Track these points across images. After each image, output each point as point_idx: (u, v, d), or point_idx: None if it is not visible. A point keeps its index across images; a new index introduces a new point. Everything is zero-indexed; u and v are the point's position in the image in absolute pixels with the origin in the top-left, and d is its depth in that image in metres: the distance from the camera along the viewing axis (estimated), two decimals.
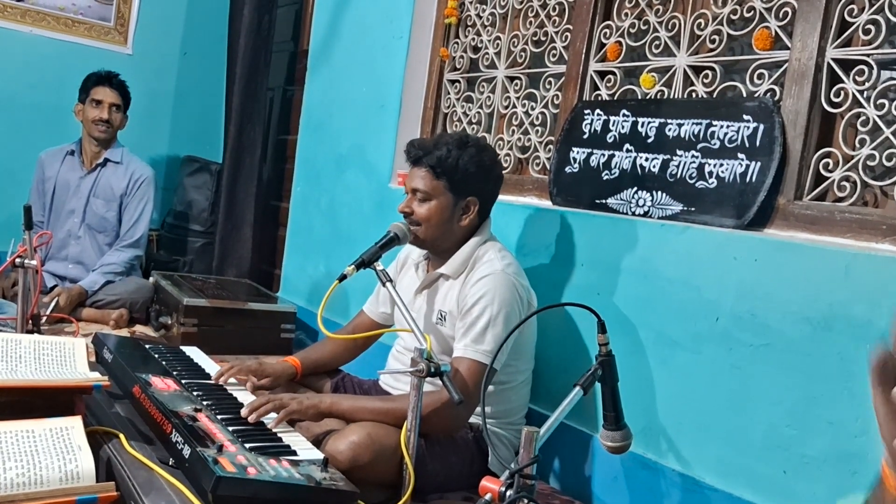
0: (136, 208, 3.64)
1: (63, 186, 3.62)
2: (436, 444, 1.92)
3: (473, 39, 2.93)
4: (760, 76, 1.98)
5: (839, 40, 1.83)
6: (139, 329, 3.35)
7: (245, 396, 1.98)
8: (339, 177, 3.43)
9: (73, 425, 1.49)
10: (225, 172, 4.00)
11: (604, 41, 2.41)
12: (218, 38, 4.22)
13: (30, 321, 2.45)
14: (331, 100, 3.57)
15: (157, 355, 2.20)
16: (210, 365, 2.22)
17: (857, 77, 1.79)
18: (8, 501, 1.29)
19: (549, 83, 2.59)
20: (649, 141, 2.16)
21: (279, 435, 1.75)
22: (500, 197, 2.62)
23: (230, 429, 1.69)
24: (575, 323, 2.22)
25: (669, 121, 2.12)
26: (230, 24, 4.07)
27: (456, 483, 1.96)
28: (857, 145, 1.81)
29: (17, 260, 2.38)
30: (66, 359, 1.88)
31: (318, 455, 1.66)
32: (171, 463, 1.56)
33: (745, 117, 1.94)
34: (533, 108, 2.65)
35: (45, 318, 2.63)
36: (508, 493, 1.32)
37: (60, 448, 1.42)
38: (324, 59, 3.62)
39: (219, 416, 1.75)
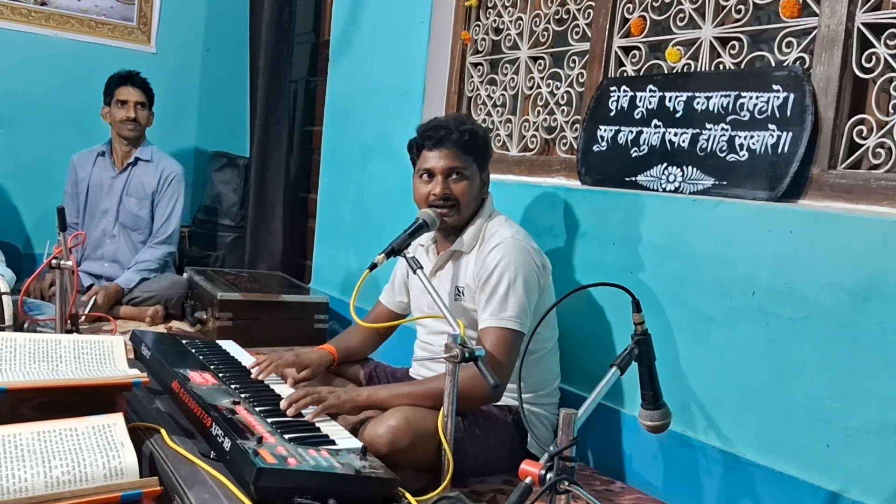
0: (167, 205, 3.69)
1: (96, 187, 3.67)
2: (475, 427, 1.92)
3: (495, 21, 2.91)
4: (789, 45, 1.94)
5: (868, 4, 1.78)
6: (175, 325, 3.40)
7: (282, 388, 2.00)
8: (365, 166, 3.43)
9: (115, 422, 1.51)
10: (252, 166, 4.03)
11: (627, 16, 2.38)
12: (240, 33, 4.24)
13: (68, 321, 2.49)
14: (354, 89, 3.57)
15: (193, 350, 2.22)
16: (246, 358, 2.24)
17: (888, 41, 1.75)
18: (55, 499, 1.31)
19: (574, 61, 2.56)
20: (678, 115, 2.13)
21: (317, 425, 1.76)
22: (528, 178, 2.63)
23: (269, 420, 1.70)
24: (607, 303, 2.21)
25: (697, 94, 2.09)
26: (251, 18, 4.09)
27: (495, 466, 1.97)
28: (892, 111, 1.76)
29: (53, 261, 2.42)
30: (105, 357, 1.91)
31: (357, 444, 1.67)
32: (212, 456, 1.58)
33: (775, 87, 1.90)
34: (558, 88, 2.62)
35: (83, 318, 2.67)
36: (549, 475, 1.31)
37: (104, 445, 1.44)
38: (345, 49, 3.62)
39: (257, 409, 1.77)
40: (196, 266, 3.83)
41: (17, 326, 2.52)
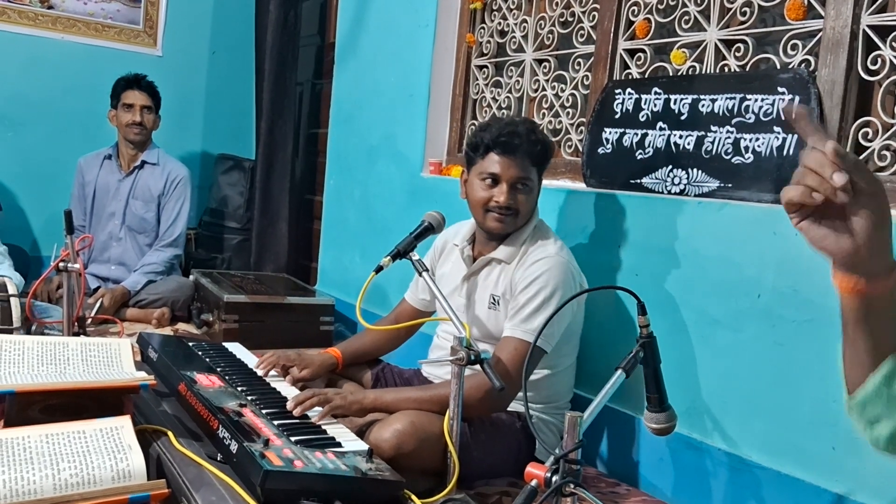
0: (173, 208, 3.71)
1: (103, 190, 3.69)
2: (480, 432, 1.92)
3: (500, 24, 2.91)
4: (794, 47, 1.94)
5: (874, 6, 1.78)
6: (181, 327, 3.41)
7: (288, 390, 2.00)
8: (370, 168, 3.44)
9: (123, 425, 1.51)
10: (258, 169, 4.03)
11: (632, 19, 2.38)
12: (245, 36, 4.25)
13: (75, 324, 2.50)
14: (359, 92, 3.57)
15: (200, 352, 2.23)
16: (252, 360, 2.24)
17: (893, 43, 1.75)
18: (64, 501, 1.32)
19: (579, 64, 2.56)
20: (683, 118, 2.13)
21: (323, 427, 1.76)
22: None
23: (275, 423, 1.70)
24: (615, 305, 2.21)
25: (702, 96, 2.09)
26: (257, 20, 4.09)
27: (502, 470, 1.96)
28: None
29: (61, 264, 2.43)
30: (112, 359, 1.92)
31: (363, 446, 1.67)
32: (219, 458, 1.58)
33: (780, 89, 1.90)
34: (563, 90, 2.63)
35: (90, 320, 2.68)
36: (554, 478, 1.31)
37: (111, 447, 1.45)
38: (350, 52, 3.63)
39: (264, 411, 1.77)
40: (202, 268, 3.83)
41: (26, 329, 2.53)
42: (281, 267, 3.99)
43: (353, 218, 3.58)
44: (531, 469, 1.33)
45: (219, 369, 2.07)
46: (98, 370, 1.85)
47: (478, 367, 1.67)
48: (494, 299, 2.07)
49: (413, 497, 1.58)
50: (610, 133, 2.34)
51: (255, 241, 4.05)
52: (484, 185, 2.03)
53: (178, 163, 3.79)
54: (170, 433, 1.69)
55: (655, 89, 2.22)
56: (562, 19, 2.64)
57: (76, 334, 2.43)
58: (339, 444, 1.66)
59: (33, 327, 2.64)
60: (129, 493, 1.35)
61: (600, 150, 2.37)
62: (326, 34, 4.06)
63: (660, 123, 2.19)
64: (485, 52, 2.99)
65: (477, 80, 3.03)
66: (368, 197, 3.45)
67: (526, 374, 1.56)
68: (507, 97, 2.86)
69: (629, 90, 2.30)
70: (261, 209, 4.02)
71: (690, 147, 2.10)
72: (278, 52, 3.95)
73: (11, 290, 2.53)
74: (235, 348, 2.37)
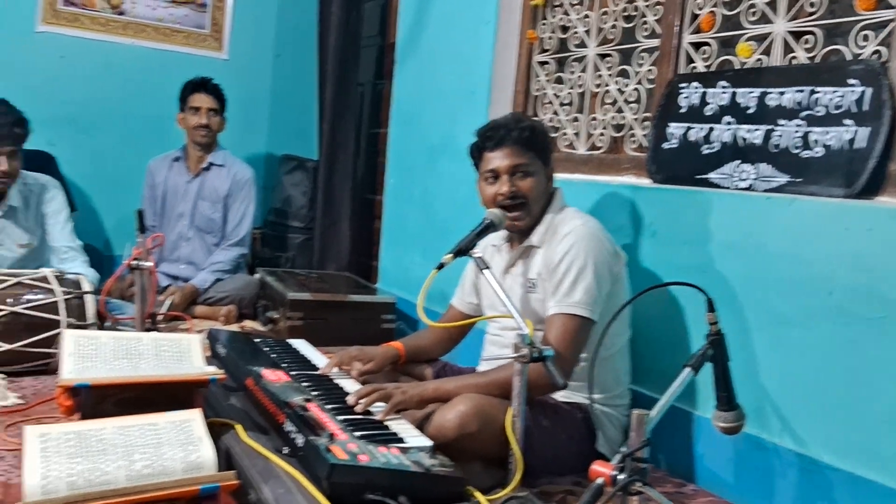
0: (239, 208, 3.79)
1: (172, 191, 3.80)
2: (542, 418, 1.92)
3: (561, 19, 2.89)
4: (865, 38, 1.88)
5: None
6: (248, 324, 3.48)
7: (352, 387, 2.02)
8: (431, 167, 3.45)
9: (194, 418, 1.56)
10: (321, 169, 4.09)
11: (697, 12, 2.34)
12: (308, 38, 4.31)
13: (147, 320, 2.58)
14: (420, 91, 3.59)
15: (266, 349, 2.28)
16: (317, 357, 2.28)
17: None
18: (137, 492, 1.36)
19: (643, 58, 2.53)
20: (750, 112, 2.09)
21: (386, 423, 1.78)
22: (596, 177, 2.60)
23: (339, 418, 1.73)
24: (679, 303, 2.18)
25: (770, 90, 2.04)
26: (319, 22, 4.15)
27: (565, 463, 1.95)
28: None
29: (133, 262, 2.51)
30: (183, 354, 1.97)
31: (426, 442, 1.68)
32: (285, 452, 1.61)
33: (851, 82, 1.85)
34: (626, 85, 2.60)
35: (161, 317, 2.76)
36: (621, 476, 1.30)
37: (182, 440, 1.49)
38: (411, 51, 3.65)
39: (328, 406, 1.80)
40: (267, 267, 3.92)
41: (99, 325, 2.61)
42: (343, 265, 4.04)
43: (413, 217, 3.60)
44: (597, 467, 1.32)
45: (284, 365, 2.10)
46: (169, 365, 1.91)
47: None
48: (531, 282, 2.09)
49: (476, 493, 1.59)
50: (675, 128, 2.30)
51: (318, 240, 4.12)
52: (488, 183, 2.10)
53: (244, 164, 3.88)
54: (238, 426, 1.73)
55: (722, 83, 2.18)
56: (625, 13, 2.61)
57: (148, 330, 2.51)
58: (402, 440, 1.68)
59: (107, 323, 2.73)
60: (201, 484, 1.39)
61: (665, 146, 2.33)
62: (387, 34, 4.09)
63: (726, 118, 2.15)
64: (546, 48, 2.98)
65: (538, 76, 3.01)
66: (429, 196, 3.46)
67: (593, 357, 1.54)
68: (570, 93, 2.84)
69: (695, 84, 2.26)
70: (323, 209, 4.08)
71: (758, 141, 2.05)
72: (340, 54, 4.00)
73: (86, 287, 2.61)
74: (300, 345, 2.41)
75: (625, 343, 2.13)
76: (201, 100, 3.71)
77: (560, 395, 2.02)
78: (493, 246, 2.24)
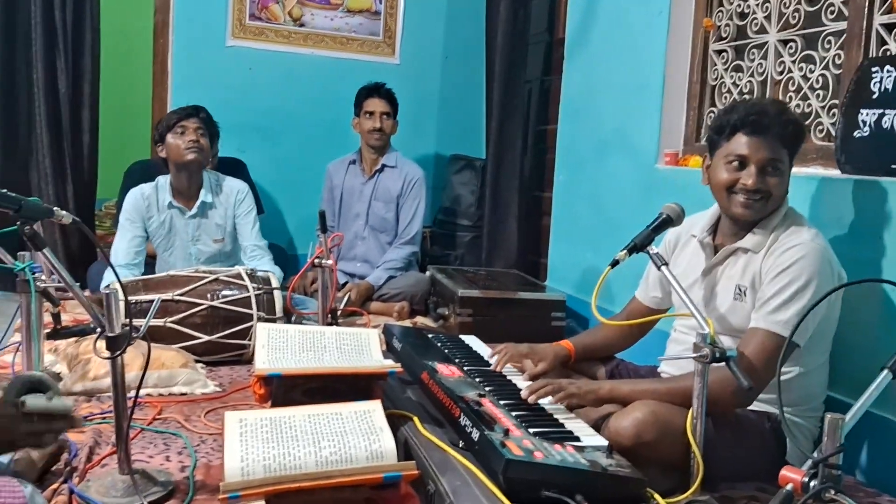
0: (410, 208, 3.91)
1: (349, 193, 3.97)
2: (726, 430, 1.82)
3: (739, 5, 2.76)
4: None
5: None
6: (420, 320, 3.58)
7: (523, 383, 2.03)
8: (601, 162, 3.40)
9: (375, 408, 1.62)
10: (488, 167, 4.14)
11: None
12: (476, 38, 4.37)
13: (329, 314, 2.71)
14: (590, 85, 3.55)
15: (438, 344, 2.33)
16: (487, 353, 2.30)
17: None
18: (325, 477, 1.43)
19: (829, 42, 2.37)
20: None
21: (561, 420, 1.77)
22: None
23: (513, 414, 1.74)
24: (874, 301, 2.02)
25: None
26: (487, 22, 4.19)
27: (748, 473, 1.86)
28: None
29: (316, 260, 2.65)
30: (363, 347, 2.06)
31: (602, 441, 1.66)
32: (461, 445, 1.64)
33: None
34: (811, 71, 2.44)
35: (340, 312, 2.89)
36: (812, 483, 1.22)
37: (365, 429, 1.55)
38: (580, 46, 3.61)
39: (501, 402, 1.81)
40: (437, 264, 4.01)
41: (286, 319, 2.78)
42: (511, 263, 4.06)
43: (583, 213, 3.56)
44: (787, 472, 1.25)
45: (456, 360, 2.14)
46: (351, 357, 2.00)
47: (722, 364, 1.59)
48: (740, 290, 1.95)
49: (656, 496, 1.54)
50: (867, 115, 2.13)
51: (486, 237, 4.16)
52: (730, 167, 1.92)
53: (414, 164, 3.99)
54: (415, 418, 1.78)
55: None
56: None
57: (329, 324, 2.64)
58: (577, 438, 1.66)
59: (293, 317, 2.90)
60: (384, 473, 1.44)
61: (856, 134, 2.16)
62: (555, 30, 4.07)
63: None
64: (723, 35, 2.85)
65: (715, 65, 2.89)
66: (599, 191, 3.41)
67: (778, 369, 1.46)
68: (750, 81, 2.71)
69: (888, 68, 2.08)
70: (491, 207, 4.12)
71: None
72: (508, 52, 4.02)
73: (275, 283, 2.78)
74: (471, 341, 2.44)
75: (824, 360, 1.99)
76: (375, 104, 3.86)
77: None
78: (693, 236, 2.12)
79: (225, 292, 2.67)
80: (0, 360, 2.45)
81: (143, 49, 4.64)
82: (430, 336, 2.43)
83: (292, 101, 4.47)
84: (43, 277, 1.95)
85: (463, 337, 2.49)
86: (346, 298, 3.40)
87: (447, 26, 4.72)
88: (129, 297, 1.87)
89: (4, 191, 1.54)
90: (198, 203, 3.21)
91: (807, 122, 2.45)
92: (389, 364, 1.92)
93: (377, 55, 4.59)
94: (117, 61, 4.75)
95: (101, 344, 1.56)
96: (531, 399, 1.83)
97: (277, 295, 2.74)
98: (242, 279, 2.71)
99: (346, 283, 3.70)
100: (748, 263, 1.95)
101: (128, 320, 1.57)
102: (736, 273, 1.98)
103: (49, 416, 1.40)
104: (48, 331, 1.98)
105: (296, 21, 4.46)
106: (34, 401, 1.38)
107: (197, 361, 2.51)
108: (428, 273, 3.80)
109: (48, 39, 3.72)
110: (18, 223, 1.56)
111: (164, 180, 3.23)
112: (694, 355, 1.60)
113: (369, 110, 3.86)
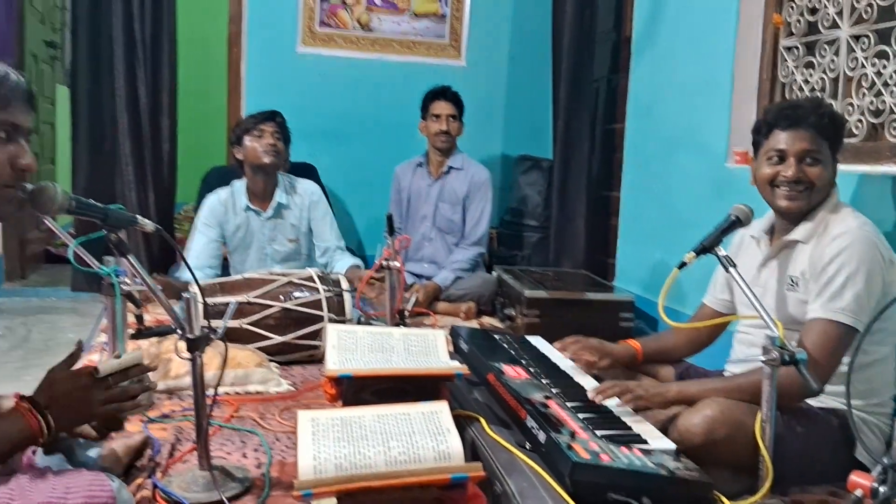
0: (476, 209, 3.94)
1: (416, 195, 4.03)
2: (796, 423, 1.81)
3: (810, 1, 2.70)
4: None
5: None
6: (486, 320, 3.60)
7: (591, 385, 2.03)
8: (670, 161, 3.36)
9: (442, 409, 1.64)
10: (555, 167, 4.13)
11: None
12: (542, 39, 4.37)
13: (396, 315, 2.76)
14: (657, 84, 3.51)
15: (505, 345, 2.34)
16: (554, 354, 2.31)
17: None
18: (394, 476, 1.46)
19: None
20: None
21: (628, 423, 1.77)
22: (853, 167, 2.40)
23: (580, 416, 1.74)
24: None
25: None
26: (553, 22, 4.19)
27: (818, 470, 1.83)
28: None
29: (384, 262, 2.70)
30: (430, 349, 2.09)
31: (670, 445, 1.65)
32: (527, 447, 1.66)
33: None
34: (885, 67, 2.37)
35: (408, 313, 2.93)
36: (882, 489, 1.20)
37: (432, 430, 1.57)
38: (648, 44, 3.58)
39: (568, 404, 1.82)
40: (504, 265, 4.03)
41: (356, 320, 2.83)
42: (578, 263, 4.05)
43: (652, 213, 3.52)
44: (855, 478, 1.23)
45: (523, 361, 2.16)
46: (418, 358, 2.03)
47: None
48: (793, 280, 1.95)
49: (723, 499, 1.53)
50: None
51: (554, 238, 4.16)
52: (770, 163, 1.96)
53: (480, 166, 4.01)
54: (482, 420, 1.80)
55: None
56: None
57: (397, 325, 2.69)
58: (644, 441, 1.66)
59: (361, 319, 2.95)
60: (451, 473, 1.46)
61: None
62: (622, 29, 4.04)
63: None
64: (793, 31, 2.79)
65: (786, 61, 2.83)
66: (668, 190, 3.38)
67: (853, 359, 1.43)
68: (821, 78, 2.64)
69: None
70: (558, 207, 4.11)
71: None
72: (574, 51, 4.01)
73: (344, 285, 2.84)
74: (538, 342, 2.45)
75: (890, 349, 1.94)
76: (441, 107, 3.89)
77: (814, 400, 1.89)
78: (752, 237, 2.13)
79: (297, 294, 2.74)
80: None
81: (218, 59, 4.80)
82: (496, 337, 2.45)
83: (361, 105, 4.55)
84: (127, 281, 2.05)
85: (529, 338, 2.50)
86: (412, 299, 3.45)
87: (513, 27, 4.73)
88: (207, 300, 1.94)
89: (91, 201, 1.63)
90: (273, 204, 3.30)
91: (880, 119, 2.38)
92: (456, 366, 1.95)
93: (444, 58, 4.64)
94: (193, 71, 4.92)
95: (182, 345, 1.63)
96: (598, 399, 1.84)
97: (347, 297, 2.80)
98: (314, 281, 2.78)
99: (412, 284, 3.75)
100: (799, 254, 1.95)
101: (206, 322, 1.64)
102: (788, 264, 1.98)
103: (123, 373, 1.50)
104: (132, 331, 2.07)
105: (364, 27, 4.54)
106: (105, 364, 1.47)
107: (270, 361, 2.59)
108: (495, 274, 3.82)
109: (129, 52, 3.89)
110: (104, 230, 1.64)
111: (239, 184, 3.34)
112: (763, 358, 1.58)
113: (435, 113, 3.90)
